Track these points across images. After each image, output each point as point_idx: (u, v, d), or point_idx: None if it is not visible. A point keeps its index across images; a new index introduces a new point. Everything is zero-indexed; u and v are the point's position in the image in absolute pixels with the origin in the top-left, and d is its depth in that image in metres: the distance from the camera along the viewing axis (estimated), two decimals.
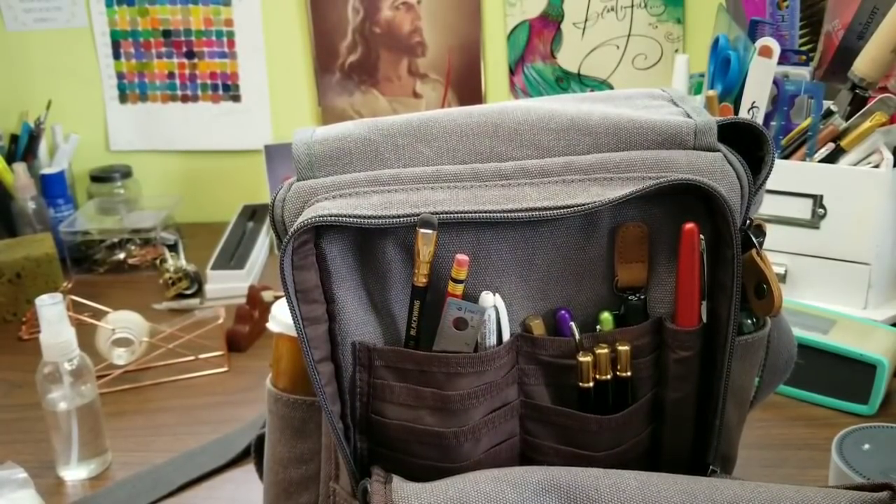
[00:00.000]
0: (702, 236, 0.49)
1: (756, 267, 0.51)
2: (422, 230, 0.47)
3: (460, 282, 0.49)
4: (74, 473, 0.82)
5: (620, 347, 0.51)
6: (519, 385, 0.53)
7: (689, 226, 0.49)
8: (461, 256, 0.48)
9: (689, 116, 0.51)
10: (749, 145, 0.52)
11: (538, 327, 0.52)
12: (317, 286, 0.50)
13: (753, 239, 0.51)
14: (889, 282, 0.99)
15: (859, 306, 0.97)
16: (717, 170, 0.49)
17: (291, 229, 0.47)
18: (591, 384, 0.51)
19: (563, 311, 0.51)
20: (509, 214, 0.48)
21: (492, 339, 0.51)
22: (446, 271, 0.50)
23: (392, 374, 0.51)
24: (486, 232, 0.50)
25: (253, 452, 0.67)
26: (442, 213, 0.47)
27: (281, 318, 0.61)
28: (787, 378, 0.63)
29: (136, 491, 0.79)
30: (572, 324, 0.51)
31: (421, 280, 0.49)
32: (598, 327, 0.52)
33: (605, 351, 0.51)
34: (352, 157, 0.51)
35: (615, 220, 0.50)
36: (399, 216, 0.47)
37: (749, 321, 0.54)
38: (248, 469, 0.81)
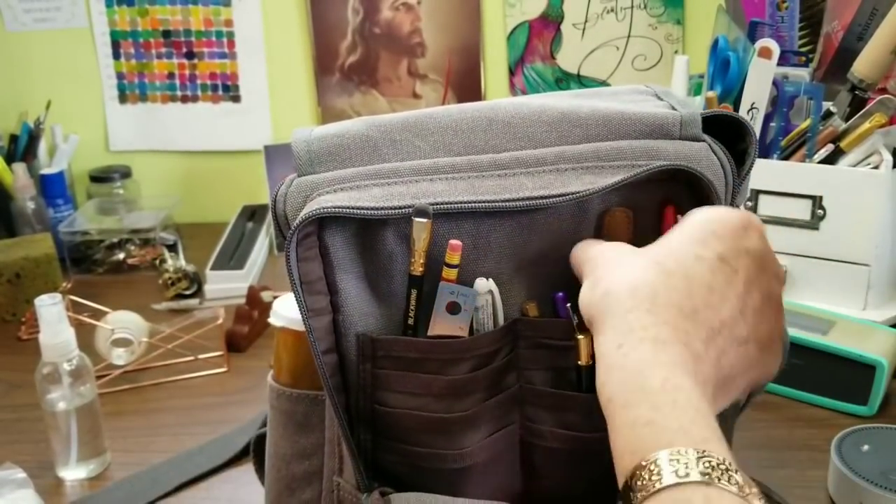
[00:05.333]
0: (680, 217, 0.50)
1: None
2: (416, 219, 0.48)
3: (454, 266, 0.50)
4: (73, 473, 0.82)
5: None
6: (518, 370, 0.53)
7: (669, 207, 0.51)
8: (454, 242, 0.49)
9: (674, 109, 0.53)
10: (733, 138, 0.53)
11: (534, 310, 0.53)
12: (320, 278, 0.51)
13: None
14: (888, 283, 0.99)
15: (859, 307, 0.97)
16: (703, 158, 0.51)
17: (296, 220, 0.47)
18: (589, 361, 0.52)
19: (559, 293, 0.52)
20: (507, 203, 0.49)
21: (489, 324, 0.52)
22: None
23: (393, 363, 0.51)
24: (484, 221, 0.51)
25: (252, 452, 0.67)
26: (441, 204, 0.48)
27: (283, 313, 0.61)
28: (781, 372, 0.62)
29: (135, 491, 0.79)
30: (569, 305, 0.51)
31: (418, 269, 0.50)
32: None
33: None
34: (350, 152, 0.52)
35: (603, 205, 0.51)
36: (399, 207, 0.48)
37: None
38: (248, 469, 0.81)
